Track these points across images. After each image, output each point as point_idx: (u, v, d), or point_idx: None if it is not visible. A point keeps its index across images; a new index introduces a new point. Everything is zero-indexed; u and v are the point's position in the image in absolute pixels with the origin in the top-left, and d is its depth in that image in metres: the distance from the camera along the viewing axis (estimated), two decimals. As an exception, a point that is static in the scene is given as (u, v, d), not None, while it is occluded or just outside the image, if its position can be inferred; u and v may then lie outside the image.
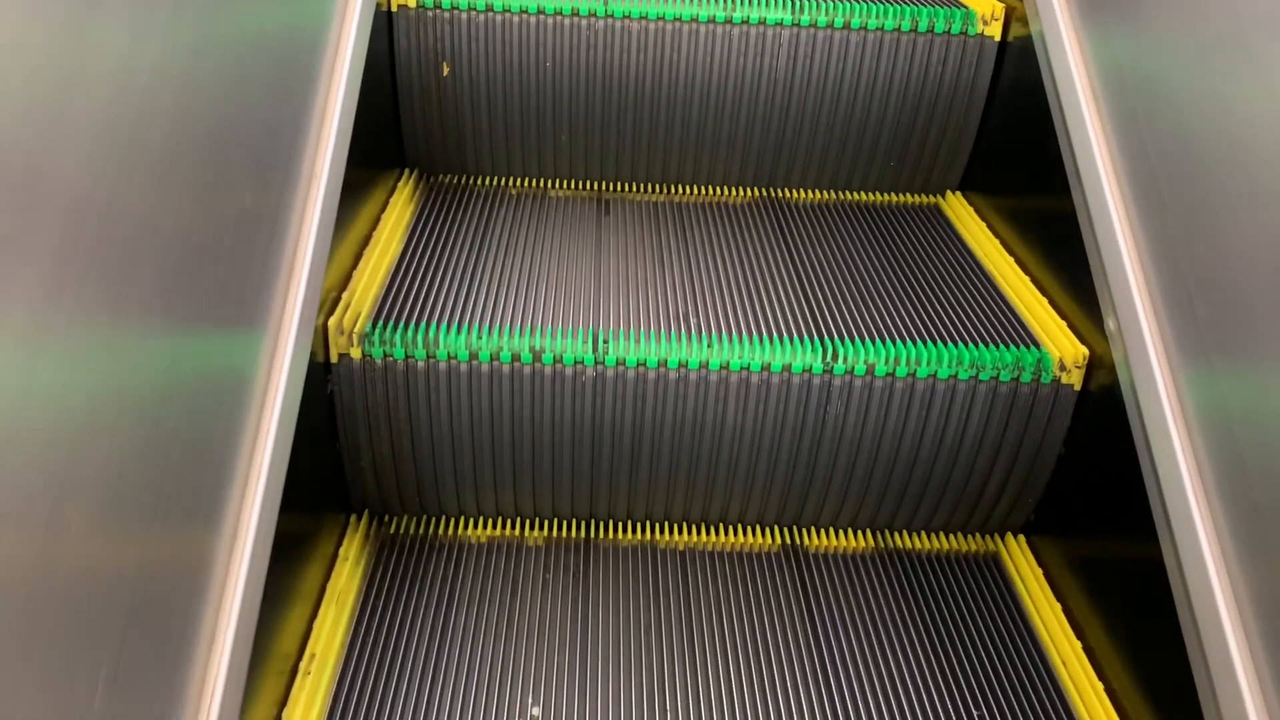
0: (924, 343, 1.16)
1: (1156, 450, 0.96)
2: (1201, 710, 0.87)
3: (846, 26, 1.45)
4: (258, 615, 0.85)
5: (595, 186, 1.58)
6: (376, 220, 1.35)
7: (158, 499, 0.69)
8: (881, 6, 1.45)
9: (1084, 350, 1.14)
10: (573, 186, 1.57)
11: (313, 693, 1.00)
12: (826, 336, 1.17)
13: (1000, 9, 1.45)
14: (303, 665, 1.03)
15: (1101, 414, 1.11)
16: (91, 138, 0.60)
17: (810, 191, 1.59)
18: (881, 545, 1.25)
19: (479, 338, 1.12)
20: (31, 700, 0.53)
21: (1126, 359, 1.02)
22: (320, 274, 1.03)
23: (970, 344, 1.16)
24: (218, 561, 0.80)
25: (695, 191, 1.58)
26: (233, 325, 0.84)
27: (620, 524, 1.26)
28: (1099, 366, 1.12)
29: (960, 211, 1.53)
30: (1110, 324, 1.07)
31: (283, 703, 0.98)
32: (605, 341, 1.13)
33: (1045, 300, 1.25)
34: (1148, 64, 1.06)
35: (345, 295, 1.16)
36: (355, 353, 1.11)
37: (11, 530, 0.51)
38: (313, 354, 1.02)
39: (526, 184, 1.57)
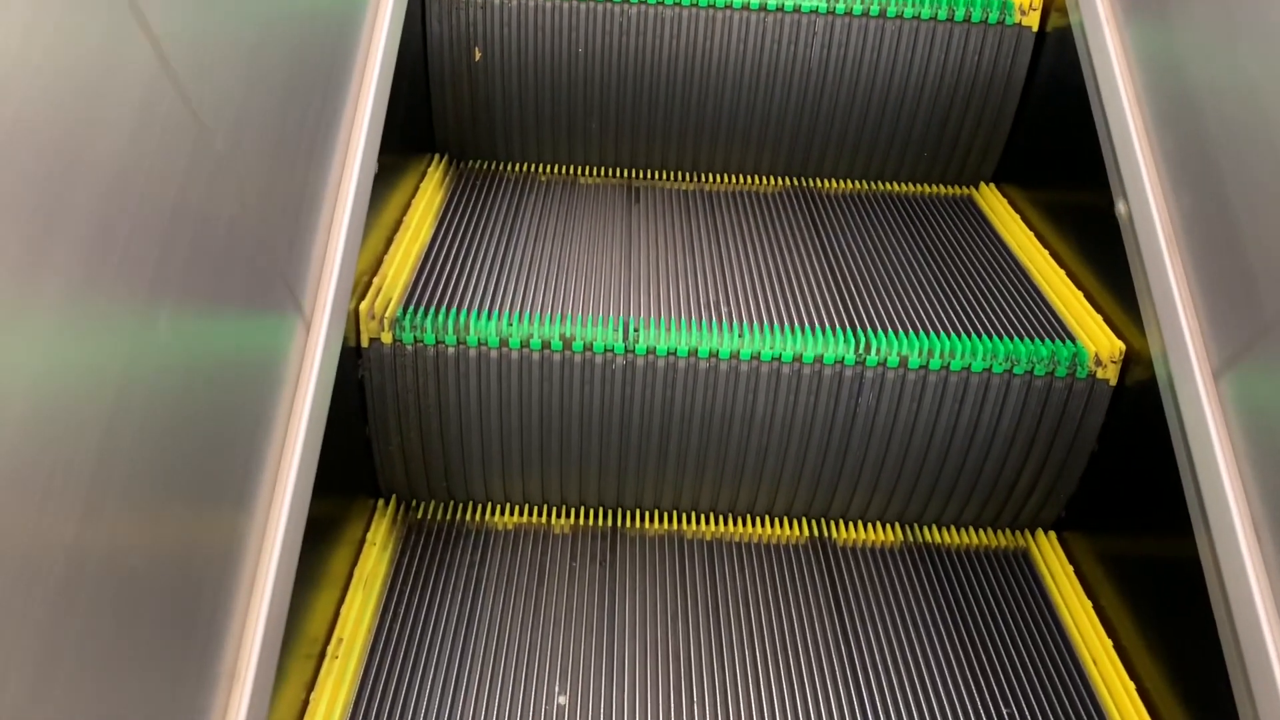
0: (958, 335, 1.15)
1: (1194, 447, 0.94)
2: (1237, 711, 0.86)
3: (882, 15, 1.43)
4: (290, 599, 0.85)
5: (625, 174, 1.57)
6: (407, 205, 1.35)
7: (192, 481, 0.69)
8: (917, -5, 1.44)
9: (1120, 345, 1.12)
10: (603, 174, 1.57)
11: (340, 676, 1.01)
12: (859, 328, 1.16)
13: (1038, -2, 1.43)
14: (330, 649, 1.03)
15: (1137, 410, 1.10)
16: (128, 121, 0.60)
17: (842, 181, 1.57)
18: (911, 539, 1.24)
19: (509, 324, 1.12)
20: (66, 682, 0.53)
21: (1165, 354, 1.01)
22: (353, 258, 1.03)
23: (1005, 337, 1.15)
24: (250, 544, 0.80)
25: (726, 180, 1.57)
26: (267, 309, 0.84)
27: (648, 513, 1.25)
28: (1135, 362, 1.11)
29: (994, 203, 1.51)
30: (1148, 316, 1.05)
31: (310, 686, 0.98)
32: (636, 330, 1.12)
33: (1080, 294, 1.23)
34: (1192, 55, 1.05)
35: (376, 280, 1.16)
36: (386, 337, 1.11)
37: (48, 513, 0.51)
38: (344, 339, 1.02)
39: (556, 171, 1.56)
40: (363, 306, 1.10)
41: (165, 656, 0.65)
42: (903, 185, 1.57)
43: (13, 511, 0.48)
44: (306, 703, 0.97)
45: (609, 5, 1.43)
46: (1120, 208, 1.13)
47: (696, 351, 1.11)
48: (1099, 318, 1.18)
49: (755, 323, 1.16)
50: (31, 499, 0.49)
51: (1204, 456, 0.93)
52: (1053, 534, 1.25)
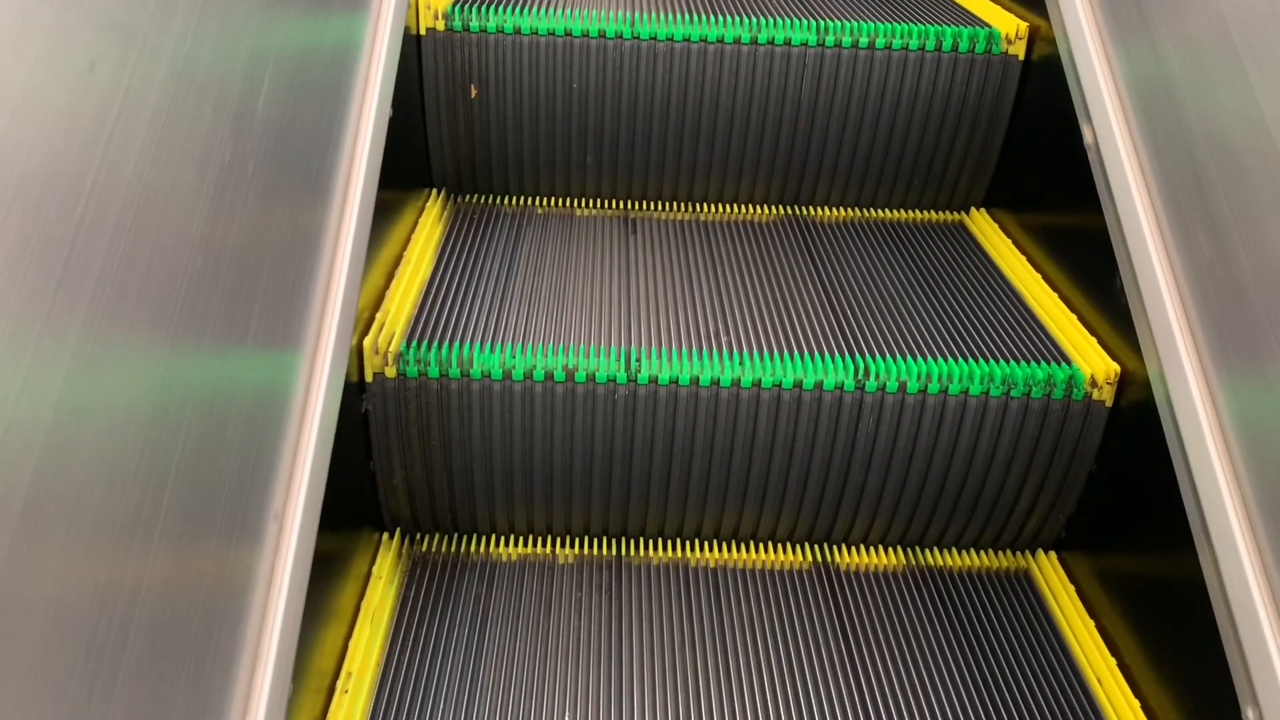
0: (955, 359, 1.16)
1: (1194, 465, 0.95)
2: (1243, 727, 0.87)
3: (871, 47, 1.46)
4: (299, 633, 0.85)
5: (621, 205, 1.59)
6: (406, 240, 1.36)
7: (202, 518, 0.70)
8: (905, 27, 1.46)
9: (1115, 366, 1.13)
10: (599, 206, 1.58)
11: (350, 711, 1.01)
12: (857, 354, 1.17)
13: (1024, 28, 1.46)
14: (340, 684, 1.03)
15: (1134, 430, 1.11)
16: (140, 158, 0.61)
17: (835, 209, 1.59)
18: (913, 562, 1.25)
19: (512, 356, 1.13)
20: (102, 706, 0.53)
21: (1162, 374, 1.02)
22: (355, 294, 1.04)
23: (1001, 360, 1.16)
24: (259, 579, 0.81)
25: (721, 210, 1.58)
26: (273, 345, 0.85)
27: (652, 541, 1.26)
28: (1130, 382, 1.12)
29: (985, 228, 1.53)
30: (1144, 336, 1.07)
31: (320, 720, 0.98)
32: (637, 360, 1.13)
33: (1074, 316, 1.25)
34: (1179, 79, 1.07)
35: (379, 315, 1.17)
36: (390, 372, 1.11)
37: (59, 551, 0.51)
38: (347, 374, 1.03)
39: (553, 204, 1.58)
40: (366, 342, 1.11)
41: (176, 690, 0.65)
42: (895, 212, 1.59)
43: (53, 547, 0.48)
44: (316, 738, 0.97)
45: (603, 40, 1.45)
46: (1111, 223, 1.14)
47: (698, 380, 1.12)
48: (1093, 340, 1.19)
49: (755, 351, 1.17)
50: (56, 538, 0.50)
51: (1204, 474, 0.94)
52: (1053, 554, 1.26)
